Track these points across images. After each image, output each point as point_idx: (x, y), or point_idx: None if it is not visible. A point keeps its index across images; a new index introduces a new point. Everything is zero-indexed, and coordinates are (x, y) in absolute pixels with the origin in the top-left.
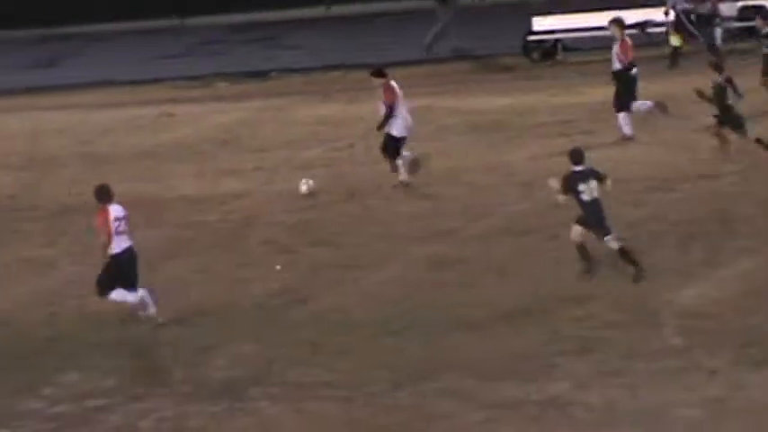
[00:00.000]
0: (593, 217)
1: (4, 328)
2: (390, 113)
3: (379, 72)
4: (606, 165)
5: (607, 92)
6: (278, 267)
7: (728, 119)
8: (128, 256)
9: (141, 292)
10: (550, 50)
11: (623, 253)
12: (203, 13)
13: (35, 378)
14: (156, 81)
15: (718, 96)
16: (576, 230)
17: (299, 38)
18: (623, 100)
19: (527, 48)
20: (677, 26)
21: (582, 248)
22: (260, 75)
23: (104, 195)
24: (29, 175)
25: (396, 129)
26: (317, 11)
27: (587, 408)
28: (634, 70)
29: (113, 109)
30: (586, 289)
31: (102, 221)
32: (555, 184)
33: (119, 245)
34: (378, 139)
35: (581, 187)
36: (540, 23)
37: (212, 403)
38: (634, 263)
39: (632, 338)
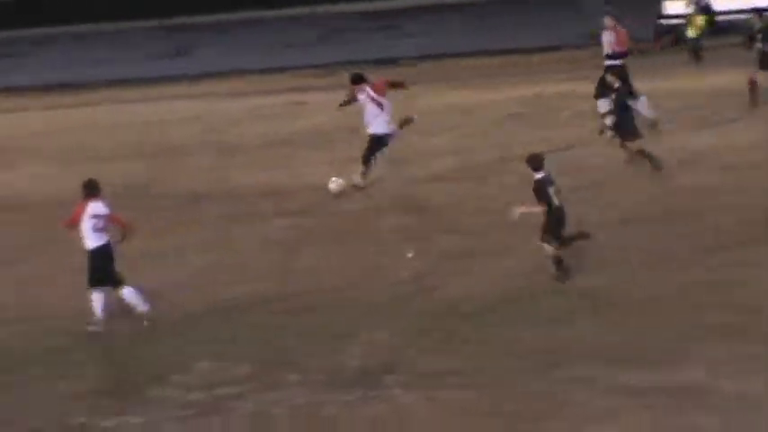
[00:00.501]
0: (559, 221)
1: (136, 316)
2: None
3: (359, 77)
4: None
5: (730, 78)
6: (409, 255)
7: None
8: (101, 254)
9: (124, 291)
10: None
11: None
12: (332, 2)
13: (167, 366)
14: (285, 69)
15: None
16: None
17: (426, 25)
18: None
19: (657, 32)
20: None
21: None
22: (389, 62)
23: (91, 190)
24: (159, 163)
25: (380, 127)
26: None
27: (721, 395)
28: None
29: (243, 98)
30: (721, 274)
31: (74, 215)
32: (516, 212)
33: (94, 242)
34: (495, 129)
35: (551, 191)
36: (671, 8)
37: (346, 391)
38: (560, 266)
39: None
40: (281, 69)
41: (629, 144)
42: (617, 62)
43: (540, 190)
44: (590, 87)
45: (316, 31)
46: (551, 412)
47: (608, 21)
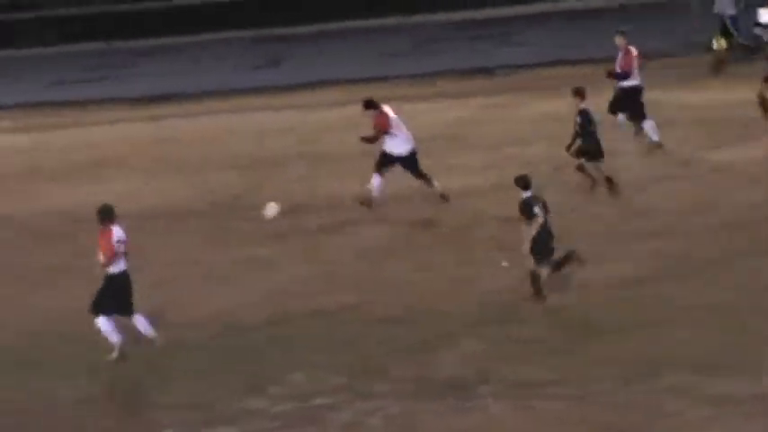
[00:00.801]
0: (546, 238)
1: (230, 326)
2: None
3: (371, 103)
4: None
5: None
6: (504, 264)
7: (588, 147)
8: (123, 279)
9: (136, 318)
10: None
11: (557, 266)
12: (428, 11)
13: (260, 377)
14: (380, 79)
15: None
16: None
17: (525, 34)
18: (634, 110)
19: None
20: (724, 31)
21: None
22: (485, 71)
23: (108, 216)
24: (254, 174)
25: (395, 147)
26: (545, 6)
27: None
28: (634, 81)
29: (337, 107)
30: None
31: (106, 242)
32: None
33: (117, 266)
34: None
35: (536, 210)
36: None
37: (439, 401)
38: (567, 263)
39: None
40: (378, 79)
41: (588, 167)
42: (635, 82)
43: (526, 209)
44: (681, 95)
45: (410, 40)
46: (645, 422)
47: (619, 40)
